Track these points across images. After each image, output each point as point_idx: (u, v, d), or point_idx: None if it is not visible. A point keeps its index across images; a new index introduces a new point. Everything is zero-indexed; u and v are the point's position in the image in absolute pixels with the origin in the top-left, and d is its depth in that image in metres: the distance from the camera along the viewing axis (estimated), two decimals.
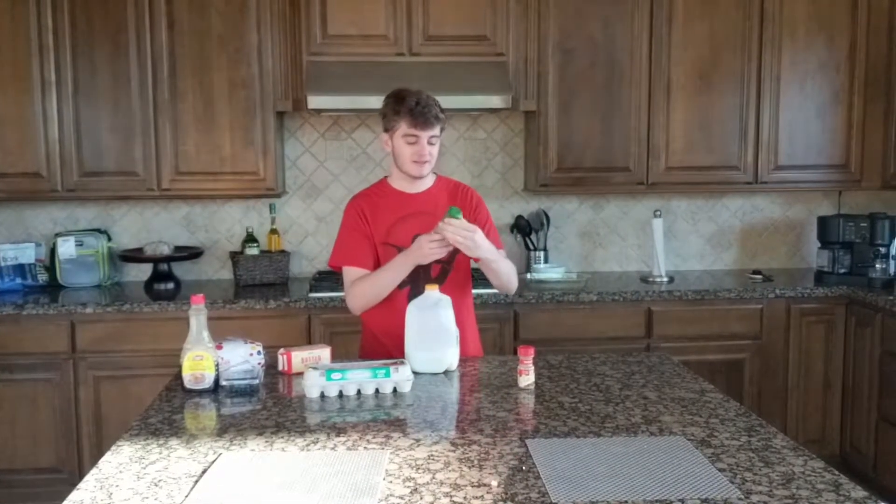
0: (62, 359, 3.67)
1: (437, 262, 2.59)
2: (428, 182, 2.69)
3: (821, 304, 3.97)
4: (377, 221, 2.64)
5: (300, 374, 2.38)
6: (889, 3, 4.06)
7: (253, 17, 3.85)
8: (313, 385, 2.22)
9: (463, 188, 2.76)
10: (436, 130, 2.57)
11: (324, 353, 2.47)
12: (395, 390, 2.26)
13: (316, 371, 2.23)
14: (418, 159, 2.56)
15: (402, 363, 2.30)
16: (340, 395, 2.22)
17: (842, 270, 4.13)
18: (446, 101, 3.86)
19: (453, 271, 2.65)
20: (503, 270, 2.63)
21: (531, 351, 2.33)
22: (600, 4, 3.99)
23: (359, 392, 2.23)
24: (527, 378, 2.32)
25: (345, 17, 3.87)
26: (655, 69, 4.04)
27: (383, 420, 2.06)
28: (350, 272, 2.63)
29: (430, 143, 2.57)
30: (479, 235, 2.46)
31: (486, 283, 3.04)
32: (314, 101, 3.74)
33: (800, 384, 4.00)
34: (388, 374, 2.25)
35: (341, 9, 3.86)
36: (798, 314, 3.96)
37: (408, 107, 2.53)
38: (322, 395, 2.21)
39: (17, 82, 3.80)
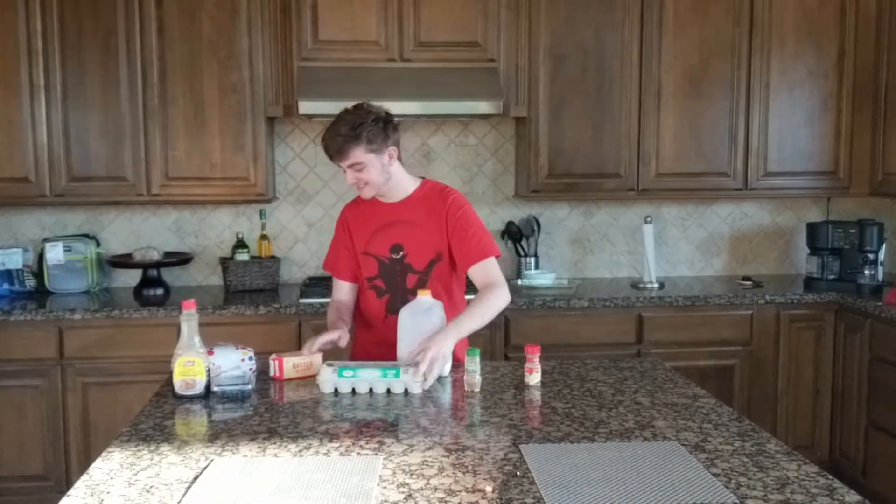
0: (50, 365, 3.63)
1: (414, 272, 2.58)
2: (409, 189, 2.61)
3: (810, 311, 3.98)
4: (360, 231, 2.64)
5: (292, 379, 2.41)
6: (877, 11, 4.09)
7: (244, 23, 3.84)
8: (327, 381, 2.28)
9: (442, 193, 2.60)
10: (354, 158, 2.44)
11: (315, 359, 2.47)
12: (388, 391, 2.29)
13: (329, 368, 2.31)
14: (353, 185, 2.54)
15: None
16: (353, 392, 2.28)
17: (831, 276, 4.15)
18: (437, 107, 3.92)
19: (430, 282, 2.57)
20: (486, 321, 2.50)
21: (538, 349, 2.38)
22: (591, 11, 4.00)
23: (371, 391, 2.28)
24: (535, 376, 2.36)
25: (336, 23, 3.86)
26: (646, 76, 4.05)
27: (376, 425, 2.05)
28: (335, 280, 2.74)
29: (355, 170, 2.47)
30: (438, 357, 2.29)
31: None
32: (305, 107, 3.73)
33: (789, 390, 4.01)
34: (397, 375, 2.28)
35: (333, 14, 3.86)
36: (787, 320, 3.97)
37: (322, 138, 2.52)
38: (336, 392, 2.28)
39: (5, 86, 3.77)
